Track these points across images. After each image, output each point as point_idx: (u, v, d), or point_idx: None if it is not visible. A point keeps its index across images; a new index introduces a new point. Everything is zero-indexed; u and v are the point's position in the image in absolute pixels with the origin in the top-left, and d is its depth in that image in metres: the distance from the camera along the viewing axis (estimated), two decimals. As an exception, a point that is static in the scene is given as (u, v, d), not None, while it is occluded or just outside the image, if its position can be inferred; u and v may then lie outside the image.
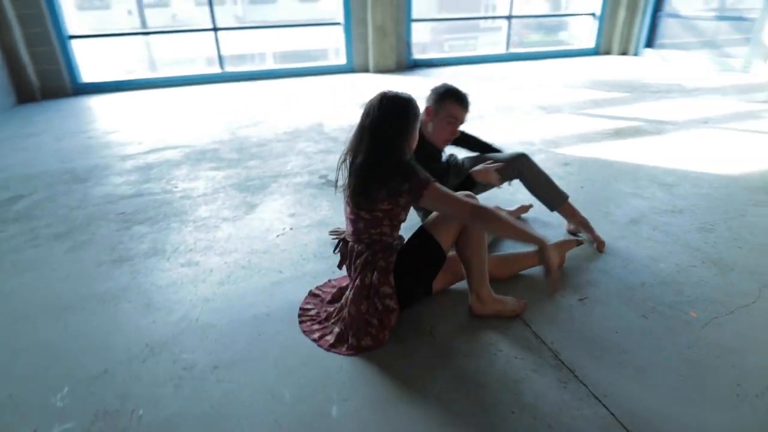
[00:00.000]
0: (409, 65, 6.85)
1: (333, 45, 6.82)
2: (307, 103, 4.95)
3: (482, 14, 14.95)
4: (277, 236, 2.30)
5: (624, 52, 7.68)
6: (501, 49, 7.43)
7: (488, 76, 6.20)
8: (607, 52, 7.79)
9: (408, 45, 6.77)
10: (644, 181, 2.83)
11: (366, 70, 6.65)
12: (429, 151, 2.03)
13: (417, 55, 6.93)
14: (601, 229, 2.19)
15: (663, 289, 1.85)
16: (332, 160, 3.25)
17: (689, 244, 2.15)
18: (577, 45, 7.92)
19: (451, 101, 1.96)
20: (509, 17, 7.22)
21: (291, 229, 2.37)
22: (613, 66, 6.79)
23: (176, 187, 2.89)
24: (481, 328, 1.66)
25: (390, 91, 1.53)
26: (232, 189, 2.84)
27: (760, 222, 2.34)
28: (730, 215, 2.41)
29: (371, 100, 1.52)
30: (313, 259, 2.10)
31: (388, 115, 1.48)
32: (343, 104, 4.89)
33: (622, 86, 5.46)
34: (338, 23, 6.48)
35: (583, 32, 7.91)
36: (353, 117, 4.33)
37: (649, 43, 7.42)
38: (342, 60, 6.64)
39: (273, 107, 4.83)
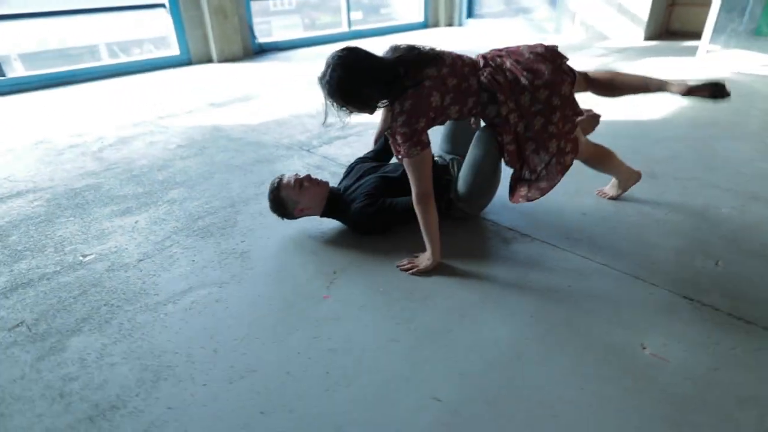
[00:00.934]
0: (255, 50, 5.96)
1: (163, 34, 5.46)
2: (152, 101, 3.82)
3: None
4: (327, 289, 1.59)
5: (450, 24, 8.15)
6: (344, 29, 7.07)
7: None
8: (436, 25, 8.15)
9: (251, 28, 5.86)
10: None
11: (209, 59, 5.53)
12: None
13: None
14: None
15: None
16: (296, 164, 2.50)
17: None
18: (407, 19, 8.07)
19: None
20: (346, -7, 6.88)
21: (334, 272, 1.67)
22: (440, 37, 7.09)
23: (83, 255, 1.80)
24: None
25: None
26: (183, 237, 1.90)
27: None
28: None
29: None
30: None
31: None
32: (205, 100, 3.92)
33: None
34: (161, 5, 5.18)
35: (411, 7, 8.09)
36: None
37: (471, 14, 8.02)
38: (173, 50, 5.37)
39: (126, 116, 3.57)
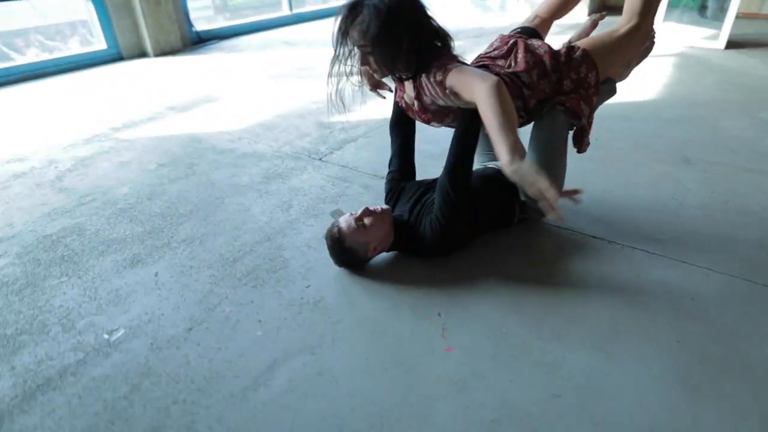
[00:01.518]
0: (193, 41, 5.30)
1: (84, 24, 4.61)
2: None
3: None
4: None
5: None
6: (285, 11, 6.52)
7: (282, 41, 5.34)
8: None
9: (187, 15, 5.18)
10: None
11: (142, 53, 4.81)
12: None
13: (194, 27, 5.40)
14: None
15: None
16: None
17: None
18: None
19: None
20: (285, -28, 6.32)
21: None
22: None
23: (108, 332, 1.39)
24: None
25: None
26: (229, 289, 1.54)
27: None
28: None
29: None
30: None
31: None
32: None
33: None
34: (77, -10, 4.38)
35: None
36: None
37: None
38: (100, 44, 4.60)
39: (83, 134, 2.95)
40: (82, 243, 1.82)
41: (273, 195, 2.13)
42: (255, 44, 5.27)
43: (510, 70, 1.53)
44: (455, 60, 1.44)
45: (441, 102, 1.45)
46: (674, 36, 4.82)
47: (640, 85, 3.42)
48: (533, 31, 1.80)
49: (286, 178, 2.28)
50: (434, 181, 1.75)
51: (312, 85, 3.73)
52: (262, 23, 6.21)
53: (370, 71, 1.53)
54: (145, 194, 2.16)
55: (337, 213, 1.65)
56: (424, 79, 1.44)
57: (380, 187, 2.16)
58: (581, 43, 1.60)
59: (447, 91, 1.38)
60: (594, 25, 2.03)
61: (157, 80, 3.99)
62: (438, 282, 1.56)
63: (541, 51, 1.56)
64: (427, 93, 1.46)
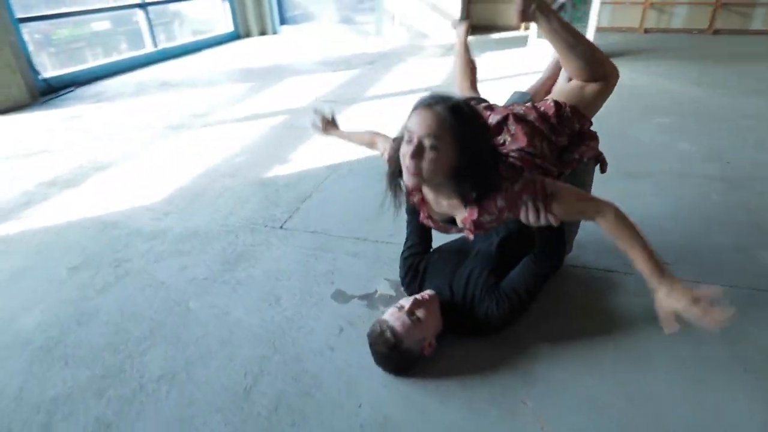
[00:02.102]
0: (42, 90, 4.37)
1: None
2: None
3: (105, 5, 10.96)
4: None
5: (263, 32, 7.47)
6: (149, 48, 5.76)
7: (158, 82, 4.74)
8: (248, 34, 7.36)
9: (29, 60, 4.25)
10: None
11: (-25, 114, 3.80)
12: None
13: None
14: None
15: None
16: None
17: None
18: (218, 31, 7.07)
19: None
20: (143, 5, 5.59)
21: None
22: (256, 48, 6.47)
23: None
24: None
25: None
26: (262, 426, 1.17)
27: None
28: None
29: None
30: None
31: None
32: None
33: (264, 73, 5.20)
34: None
35: (218, 17, 7.10)
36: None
37: (284, 20, 7.50)
38: None
39: None
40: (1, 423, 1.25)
41: (249, 286, 1.73)
42: (126, 89, 4.54)
43: (515, 147, 1.38)
44: (527, 177, 1.24)
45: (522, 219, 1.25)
46: (542, 54, 5.32)
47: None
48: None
49: (252, 259, 1.89)
50: (463, 247, 1.57)
51: (223, 134, 3.28)
52: (123, 63, 5.41)
53: (414, 170, 1.13)
54: (69, 318, 1.60)
55: None
56: (500, 201, 1.21)
57: (371, 252, 1.91)
58: (565, 100, 1.50)
59: (551, 216, 1.20)
60: (558, 66, 1.99)
61: (11, 147, 3.15)
62: (494, 361, 1.38)
63: (532, 117, 1.44)
64: (503, 216, 1.25)
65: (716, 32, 6.63)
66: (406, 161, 1.12)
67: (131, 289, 1.74)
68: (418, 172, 1.11)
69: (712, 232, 2.01)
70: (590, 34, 4.99)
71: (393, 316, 1.31)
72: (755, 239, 1.94)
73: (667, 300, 1.09)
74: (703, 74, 4.53)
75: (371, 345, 1.32)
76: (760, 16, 6.56)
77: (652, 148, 2.85)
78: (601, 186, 1.70)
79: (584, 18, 5.03)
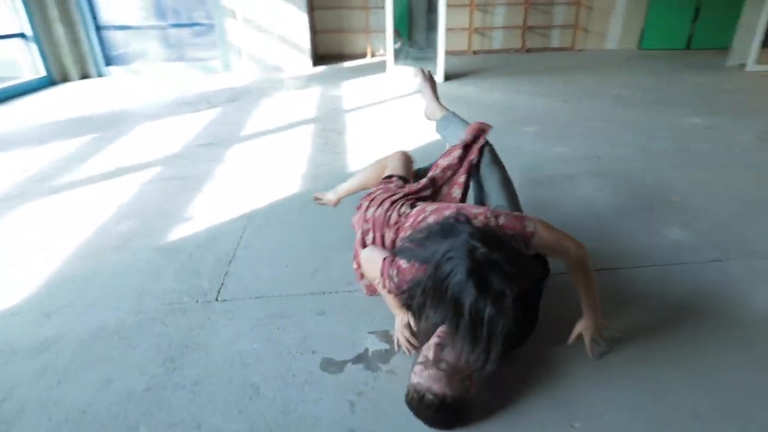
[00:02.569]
0: None
1: None
2: None
3: None
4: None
5: (86, 76, 6.44)
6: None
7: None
8: (65, 79, 6.26)
9: None
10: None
11: None
12: None
13: None
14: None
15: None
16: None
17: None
18: (26, 76, 5.85)
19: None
20: None
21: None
22: (80, 96, 5.54)
23: None
24: None
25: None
26: None
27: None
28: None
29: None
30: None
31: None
32: None
33: (105, 121, 4.74)
34: None
35: (22, 59, 5.88)
36: None
37: (110, 61, 6.58)
38: None
39: None
40: None
41: (211, 383, 1.37)
42: None
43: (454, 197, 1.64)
44: None
45: None
46: (401, 79, 5.62)
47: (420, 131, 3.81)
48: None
49: (200, 348, 1.51)
50: None
51: (84, 198, 2.66)
52: None
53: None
54: None
55: None
56: None
57: (338, 305, 1.69)
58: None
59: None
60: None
61: None
62: (525, 384, 1.32)
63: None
64: None
65: (528, 51, 7.82)
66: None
67: (44, 427, 1.24)
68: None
69: (619, 220, 2.27)
70: (440, 58, 5.44)
71: (423, 375, 1.16)
72: (656, 220, 2.25)
73: (585, 328, 1.38)
74: (539, 85, 5.27)
75: (419, 415, 1.14)
76: (556, 36, 7.95)
77: (536, 155, 3.16)
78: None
79: (433, 44, 5.45)
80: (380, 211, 1.50)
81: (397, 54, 5.56)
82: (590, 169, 2.87)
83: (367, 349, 1.49)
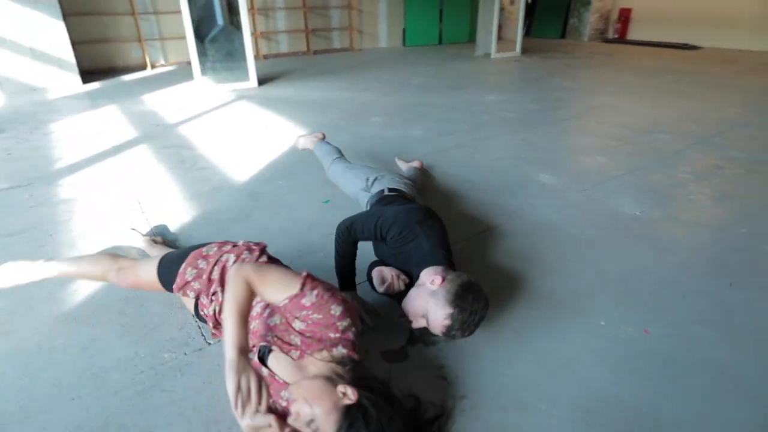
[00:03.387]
0: None
1: None
2: None
3: None
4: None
5: None
6: None
7: None
8: None
9: None
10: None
11: None
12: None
13: None
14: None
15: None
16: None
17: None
18: None
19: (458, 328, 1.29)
20: None
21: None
22: None
23: None
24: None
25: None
26: None
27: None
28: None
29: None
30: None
31: None
32: None
33: None
34: None
35: None
36: None
37: None
38: None
39: None
40: None
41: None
42: None
43: None
44: None
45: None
46: (212, 88, 5.23)
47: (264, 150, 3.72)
48: None
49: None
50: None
51: None
52: None
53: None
54: None
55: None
56: None
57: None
58: None
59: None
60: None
61: None
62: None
63: None
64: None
65: (315, 53, 8.16)
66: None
67: None
68: None
69: (479, 191, 2.73)
70: (250, 63, 5.26)
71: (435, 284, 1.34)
72: (499, 191, 2.78)
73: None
74: (351, 83, 5.61)
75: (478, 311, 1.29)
76: (337, 37, 8.50)
77: (396, 140, 3.44)
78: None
79: (240, 50, 5.21)
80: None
81: (203, 62, 5.11)
82: (449, 146, 3.30)
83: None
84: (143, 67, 6.72)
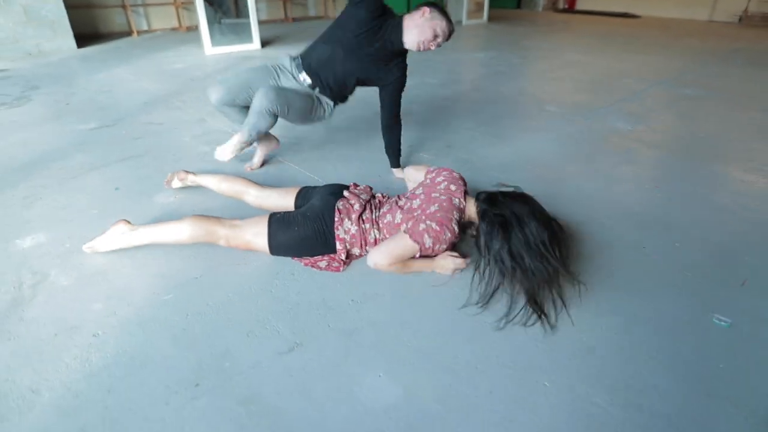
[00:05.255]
0: None
1: None
2: None
3: None
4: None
5: None
6: None
7: None
8: None
9: None
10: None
11: None
12: (394, 48, 2.02)
13: None
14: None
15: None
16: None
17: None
18: None
19: (446, 22, 1.98)
20: None
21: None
22: None
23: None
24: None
25: None
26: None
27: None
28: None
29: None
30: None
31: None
32: None
33: None
34: None
35: None
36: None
37: None
38: None
39: None
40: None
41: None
42: None
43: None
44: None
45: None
46: (220, 50, 5.48)
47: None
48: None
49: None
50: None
51: None
52: None
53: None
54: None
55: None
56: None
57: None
58: None
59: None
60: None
61: None
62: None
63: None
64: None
65: (294, 20, 8.40)
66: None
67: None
68: None
69: (508, 118, 3.37)
70: (254, 26, 5.55)
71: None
72: (524, 116, 3.44)
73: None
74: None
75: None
76: (313, 5, 8.76)
77: (416, 87, 3.99)
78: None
79: (245, 12, 5.48)
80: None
81: (211, 27, 5.32)
82: (471, 88, 3.90)
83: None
84: (129, 33, 6.74)
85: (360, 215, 1.61)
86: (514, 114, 3.28)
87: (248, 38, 5.61)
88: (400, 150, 2.26)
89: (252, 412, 1.09)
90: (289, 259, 1.63)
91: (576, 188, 2.20)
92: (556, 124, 3.07)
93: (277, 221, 1.59)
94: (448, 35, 2.00)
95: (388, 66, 2.05)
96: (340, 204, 1.61)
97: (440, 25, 1.95)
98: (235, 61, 5.03)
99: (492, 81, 4.19)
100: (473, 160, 2.50)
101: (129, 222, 1.65)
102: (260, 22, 7.93)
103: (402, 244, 1.49)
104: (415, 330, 1.34)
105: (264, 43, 5.91)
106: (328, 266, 1.58)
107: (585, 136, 2.87)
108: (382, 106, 2.14)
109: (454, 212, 1.51)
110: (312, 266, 1.59)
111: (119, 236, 1.62)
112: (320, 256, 1.60)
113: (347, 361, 1.23)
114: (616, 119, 3.17)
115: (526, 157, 2.54)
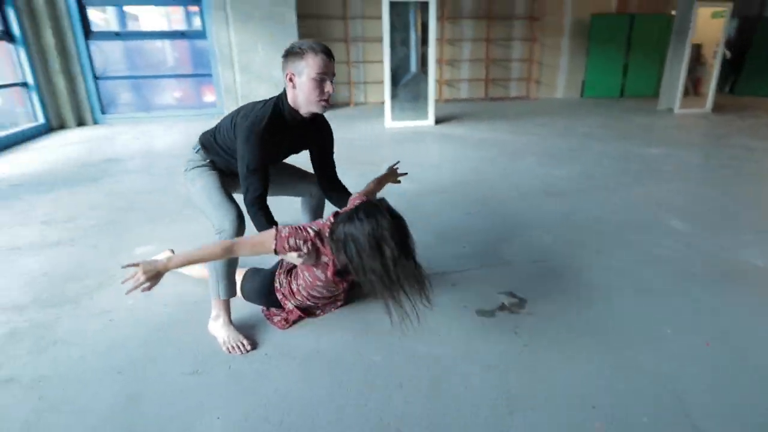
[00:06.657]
0: None
1: None
2: None
3: None
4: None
5: (81, 123, 6.56)
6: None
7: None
8: (62, 126, 6.36)
9: None
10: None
11: None
12: (296, 123, 1.82)
13: None
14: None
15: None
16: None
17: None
18: (25, 124, 5.89)
19: (312, 54, 1.64)
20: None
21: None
22: (74, 140, 5.75)
23: None
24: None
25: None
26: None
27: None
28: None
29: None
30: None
31: None
32: None
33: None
34: None
35: (23, 107, 5.94)
36: None
37: (106, 109, 6.77)
38: None
39: None
40: None
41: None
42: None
43: None
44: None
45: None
46: (398, 124, 6.29)
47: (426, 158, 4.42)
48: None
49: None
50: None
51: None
52: None
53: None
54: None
55: None
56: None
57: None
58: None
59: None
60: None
61: None
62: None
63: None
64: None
65: (492, 99, 8.88)
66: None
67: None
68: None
69: (602, 224, 2.93)
70: (431, 105, 6.19)
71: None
72: (622, 226, 2.93)
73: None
74: (519, 127, 6.12)
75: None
76: (514, 86, 9.10)
77: (541, 176, 3.83)
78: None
79: (424, 93, 6.21)
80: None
81: (393, 102, 6.23)
82: (596, 186, 3.57)
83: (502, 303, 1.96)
84: (347, 104, 8.30)
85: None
86: (613, 222, 2.87)
87: (423, 115, 6.27)
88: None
89: None
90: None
91: None
92: (653, 242, 2.56)
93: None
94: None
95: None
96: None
97: None
98: (409, 135, 5.70)
99: (632, 181, 3.69)
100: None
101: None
102: (459, 100, 8.69)
103: (262, 234, 1.62)
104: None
105: (440, 120, 6.49)
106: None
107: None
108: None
109: (314, 227, 1.64)
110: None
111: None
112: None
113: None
114: (755, 248, 2.45)
115: None
